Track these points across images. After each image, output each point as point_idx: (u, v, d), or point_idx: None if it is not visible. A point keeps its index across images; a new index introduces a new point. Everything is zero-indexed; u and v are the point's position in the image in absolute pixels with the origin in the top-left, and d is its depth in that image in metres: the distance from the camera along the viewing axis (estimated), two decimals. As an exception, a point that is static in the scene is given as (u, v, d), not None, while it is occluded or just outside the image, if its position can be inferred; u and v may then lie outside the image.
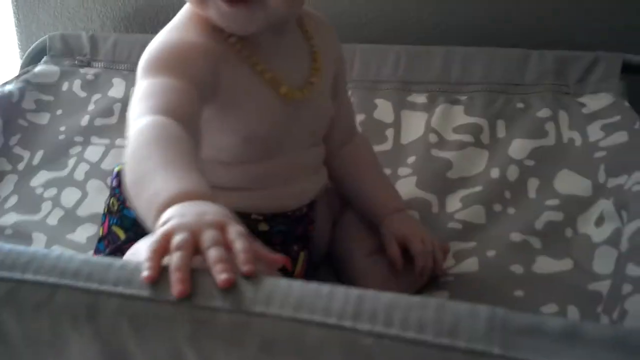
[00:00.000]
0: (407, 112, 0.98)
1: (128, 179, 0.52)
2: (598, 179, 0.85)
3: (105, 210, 0.74)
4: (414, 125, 0.96)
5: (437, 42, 1.04)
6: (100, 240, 0.75)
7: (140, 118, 0.55)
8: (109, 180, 0.87)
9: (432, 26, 1.08)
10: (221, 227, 0.44)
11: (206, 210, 0.46)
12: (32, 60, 1.15)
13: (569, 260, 0.77)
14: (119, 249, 0.69)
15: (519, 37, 1.04)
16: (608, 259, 0.75)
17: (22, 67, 1.14)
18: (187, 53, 0.62)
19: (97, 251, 0.74)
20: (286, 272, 0.70)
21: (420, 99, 0.99)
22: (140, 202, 0.50)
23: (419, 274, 0.75)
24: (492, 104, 0.97)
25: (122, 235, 0.71)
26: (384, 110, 0.99)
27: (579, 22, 1.04)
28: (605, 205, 0.81)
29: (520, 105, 0.96)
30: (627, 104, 0.91)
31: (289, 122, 0.70)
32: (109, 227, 0.72)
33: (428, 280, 0.77)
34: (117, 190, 0.72)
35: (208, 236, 0.43)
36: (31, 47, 1.15)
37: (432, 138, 0.94)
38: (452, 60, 1.01)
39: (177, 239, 0.43)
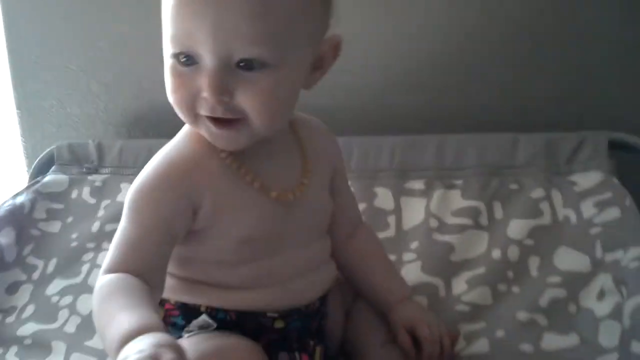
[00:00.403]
0: (406, 199, 1.03)
1: (96, 328, 0.66)
2: (595, 254, 0.89)
3: None
4: (414, 211, 1.01)
5: (430, 130, 1.10)
6: None
7: (105, 273, 0.68)
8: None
9: (425, 116, 1.14)
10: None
11: (141, 346, 0.55)
12: (40, 169, 1.19)
13: (574, 335, 0.80)
14: None
15: (507, 122, 1.10)
16: (612, 332, 0.78)
17: (31, 176, 1.19)
18: (182, 171, 0.69)
19: None
20: None
21: (418, 185, 1.04)
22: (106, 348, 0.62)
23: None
24: (487, 186, 1.02)
25: None
26: (383, 198, 1.03)
27: (563, 104, 1.11)
28: (604, 279, 0.84)
29: (514, 186, 1.01)
30: (616, 180, 0.95)
31: (284, 222, 0.73)
32: None
33: (442, 365, 0.80)
34: None
35: None
36: (39, 158, 1.20)
37: (433, 223, 0.98)
38: (445, 147, 1.07)
39: None
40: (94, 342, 0.90)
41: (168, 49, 0.67)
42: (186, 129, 0.74)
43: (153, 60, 1.19)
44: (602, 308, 0.81)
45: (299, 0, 0.65)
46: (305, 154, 0.77)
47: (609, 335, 0.78)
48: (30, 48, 1.28)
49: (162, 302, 0.76)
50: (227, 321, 0.73)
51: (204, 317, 0.73)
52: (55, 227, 1.09)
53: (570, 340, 0.79)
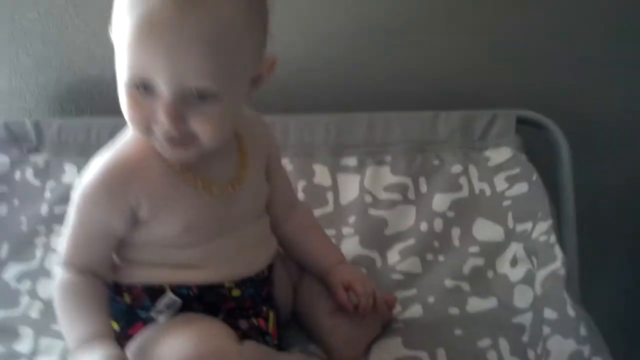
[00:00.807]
0: (342, 175, 1.13)
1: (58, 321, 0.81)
2: (508, 225, 1.03)
3: None
4: (350, 187, 1.11)
5: (360, 108, 1.19)
6: None
7: (62, 267, 0.81)
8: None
9: (354, 93, 1.23)
10: None
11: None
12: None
13: (493, 298, 0.95)
14: (116, 339, 0.79)
15: (428, 99, 1.21)
16: (525, 295, 0.93)
17: (-34, 157, 1.19)
18: (119, 176, 0.78)
19: None
20: (262, 331, 0.84)
21: (352, 161, 1.14)
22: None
23: (362, 313, 0.89)
24: (413, 162, 1.13)
25: (115, 326, 0.82)
26: (321, 175, 1.13)
27: (480, 83, 1.23)
28: (517, 248, 0.99)
29: (436, 162, 1.13)
30: (524, 157, 1.09)
31: (226, 211, 0.83)
32: None
33: (382, 328, 0.92)
34: None
35: None
36: (-27, 137, 1.19)
37: (367, 198, 1.10)
38: (374, 125, 1.17)
39: None
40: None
41: (123, 76, 0.73)
42: (129, 133, 0.81)
43: (84, 35, 1.22)
44: (515, 274, 0.96)
45: (244, 34, 0.72)
46: (242, 147, 0.86)
47: (522, 298, 0.93)
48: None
49: (130, 289, 0.84)
50: (190, 296, 0.82)
51: (170, 295, 0.82)
52: (2, 210, 1.11)
53: (490, 303, 0.94)
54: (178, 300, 0.80)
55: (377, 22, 1.21)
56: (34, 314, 0.98)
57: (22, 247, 1.07)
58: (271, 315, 0.87)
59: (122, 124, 1.11)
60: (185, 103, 0.72)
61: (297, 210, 0.96)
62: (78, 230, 0.80)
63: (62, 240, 0.82)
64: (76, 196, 0.80)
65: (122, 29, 0.71)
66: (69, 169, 1.15)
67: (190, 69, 0.70)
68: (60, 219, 1.10)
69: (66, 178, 1.14)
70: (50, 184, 1.14)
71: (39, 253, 1.06)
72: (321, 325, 0.90)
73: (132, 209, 0.78)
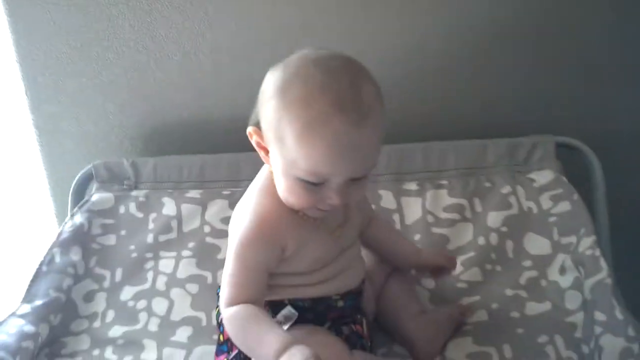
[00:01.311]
0: (405, 199, 1.29)
1: (236, 341, 0.93)
2: (554, 238, 1.19)
3: (222, 322, 0.99)
4: (413, 209, 1.28)
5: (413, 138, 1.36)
6: (222, 343, 1.02)
7: (229, 306, 0.93)
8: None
9: (409, 127, 1.40)
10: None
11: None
12: (79, 187, 1.36)
13: (548, 302, 1.11)
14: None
15: (474, 130, 1.38)
16: (575, 299, 1.09)
17: (73, 194, 1.35)
18: (272, 228, 0.94)
19: (220, 352, 1.02)
20: (359, 335, 1.01)
21: (413, 186, 1.30)
22: (257, 356, 0.91)
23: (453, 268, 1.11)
24: (467, 185, 1.30)
25: None
26: (387, 199, 1.29)
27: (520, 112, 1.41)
28: (564, 258, 1.15)
29: (487, 184, 1.29)
30: (564, 179, 1.26)
31: (339, 244, 1.01)
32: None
33: (455, 330, 1.08)
34: None
35: None
36: (79, 175, 1.36)
37: (430, 218, 1.26)
38: (429, 154, 1.33)
39: None
40: (177, 337, 1.12)
41: (296, 173, 0.88)
42: (259, 186, 0.98)
43: (163, 82, 1.39)
44: (565, 281, 1.12)
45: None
46: None
47: (572, 301, 1.09)
48: (45, 74, 1.42)
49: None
50: (304, 307, 0.99)
51: (288, 308, 0.98)
52: (111, 240, 1.28)
53: (545, 306, 1.10)
54: (295, 313, 0.97)
55: (421, 61, 1.38)
56: (153, 327, 1.14)
57: (134, 272, 1.24)
58: (364, 321, 1.04)
59: (209, 161, 1.34)
60: (349, 185, 0.90)
61: (375, 217, 1.13)
62: (240, 274, 0.94)
63: (225, 284, 0.95)
64: (235, 244, 0.95)
65: (301, 144, 0.85)
66: (167, 202, 1.32)
67: (363, 166, 0.89)
68: (164, 245, 1.28)
69: (166, 210, 1.31)
70: (152, 215, 1.31)
71: (149, 276, 1.23)
72: (406, 328, 1.07)
73: (282, 249, 0.95)
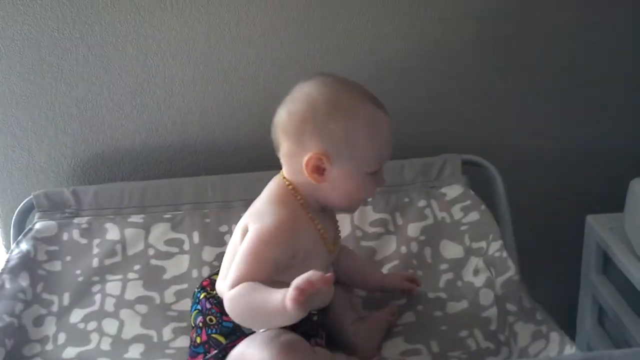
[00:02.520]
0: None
1: (241, 317, 1.00)
2: (465, 243, 1.35)
3: (201, 325, 1.08)
4: (343, 225, 1.39)
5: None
6: (199, 345, 1.09)
7: (233, 286, 0.99)
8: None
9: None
10: None
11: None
12: (21, 217, 1.40)
13: (465, 301, 1.26)
14: (223, 349, 1.05)
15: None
16: (487, 296, 1.24)
17: (15, 223, 1.39)
18: (290, 230, 1.04)
19: (196, 354, 1.09)
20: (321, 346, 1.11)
21: (340, 204, 1.43)
22: (259, 318, 0.98)
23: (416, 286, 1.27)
24: (389, 201, 1.44)
25: (223, 340, 1.06)
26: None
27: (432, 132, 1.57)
28: (476, 261, 1.31)
29: (406, 199, 1.44)
30: (471, 192, 1.42)
31: (331, 261, 1.14)
32: (208, 335, 1.07)
33: (387, 332, 1.21)
34: (214, 310, 1.08)
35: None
36: (20, 205, 1.40)
37: (358, 233, 1.39)
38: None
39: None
40: (130, 354, 1.19)
41: (367, 168, 1.07)
42: (274, 197, 1.09)
43: (115, 112, 1.46)
44: (478, 281, 1.28)
45: None
46: (334, 214, 1.18)
47: (485, 298, 1.24)
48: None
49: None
50: None
51: None
52: (57, 266, 1.33)
53: (462, 304, 1.25)
54: None
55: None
56: (106, 346, 1.20)
57: (82, 295, 1.29)
58: (324, 334, 1.15)
59: (149, 186, 1.44)
60: None
61: (345, 249, 1.26)
62: (252, 263, 1.01)
63: (233, 271, 1.01)
64: (253, 239, 1.03)
65: (372, 140, 1.06)
66: (111, 227, 1.38)
67: None
68: (110, 269, 1.34)
69: (110, 236, 1.37)
70: (96, 241, 1.37)
71: (97, 299, 1.28)
72: (347, 333, 1.19)
73: (293, 254, 1.05)
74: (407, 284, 1.27)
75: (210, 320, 1.08)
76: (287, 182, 1.10)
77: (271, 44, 1.49)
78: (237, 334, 1.05)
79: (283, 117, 1.08)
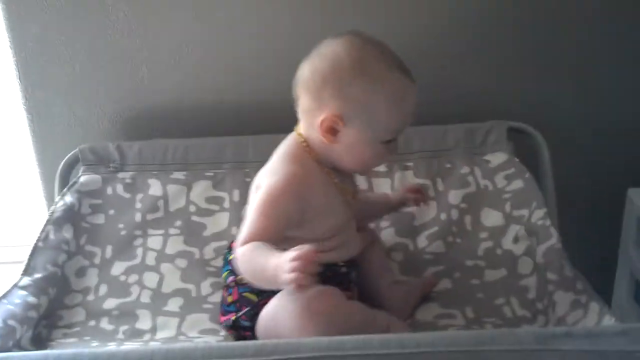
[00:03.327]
0: (376, 180, 1.41)
1: (248, 277, 1.02)
2: (506, 211, 1.33)
3: (233, 284, 1.11)
4: (383, 189, 1.39)
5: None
6: (230, 304, 1.11)
7: (244, 243, 1.01)
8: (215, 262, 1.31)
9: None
10: None
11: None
12: (65, 170, 1.43)
13: (503, 269, 1.25)
14: (255, 306, 1.07)
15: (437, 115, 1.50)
16: (527, 264, 1.23)
17: (60, 176, 1.42)
18: (301, 183, 1.05)
19: (227, 312, 1.11)
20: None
21: (382, 168, 1.41)
22: (263, 281, 0.98)
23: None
24: (430, 166, 1.42)
25: (254, 298, 1.08)
26: (359, 179, 1.38)
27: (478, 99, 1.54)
28: (517, 229, 1.29)
29: (448, 165, 1.42)
30: (516, 159, 1.39)
31: (350, 212, 1.13)
32: (240, 294, 1.09)
33: (421, 299, 1.21)
34: None
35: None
36: (65, 158, 1.42)
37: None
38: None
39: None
40: (169, 307, 1.22)
41: (383, 137, 1.06)
42: (287, 154, 1.10)
43: (153, 70, 1.47)
44: (517, 249, 1.26)
45: None
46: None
47: (524, 267, 1.23)
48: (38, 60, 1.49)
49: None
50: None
51: None
52: (100, 219, 1.36)
53: (500, 273, 1.24)
54: None
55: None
56: (146, 299, 1.24)
57: (124, 248, 1.32)
58: (356, 289, 1.16)
59: (192, 143, 1.47)
60: None
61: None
62: (263, 220, 1.02)
63: (248, 225, 1.03)
64: (265, 195, 1.04)
65: (394, 108, 1.05)
66: (153, 183, 1.40)
67: None
68: (152, 224, 1.36)
69: (152, 191, 1.39)
70: (139, 196, 1.39)
71: (139, 252, 1.31)
72: (383, 294, 1.19)
73: (307, 205, 1.05)
74: (411, 195, 1.28)
75: (242, 279, 1.08)
76: (301, 139, 1.10)
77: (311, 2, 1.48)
78: (268, 291, 1.06)
79: (306, 72, 1.07)
